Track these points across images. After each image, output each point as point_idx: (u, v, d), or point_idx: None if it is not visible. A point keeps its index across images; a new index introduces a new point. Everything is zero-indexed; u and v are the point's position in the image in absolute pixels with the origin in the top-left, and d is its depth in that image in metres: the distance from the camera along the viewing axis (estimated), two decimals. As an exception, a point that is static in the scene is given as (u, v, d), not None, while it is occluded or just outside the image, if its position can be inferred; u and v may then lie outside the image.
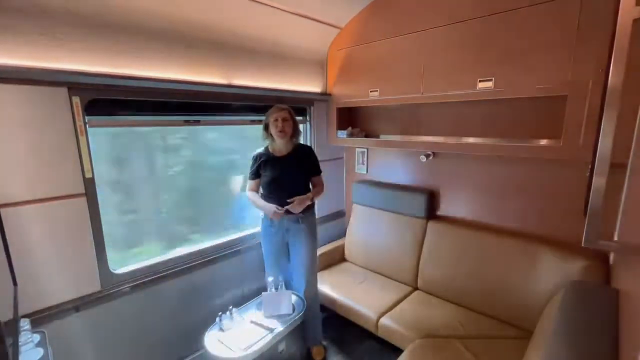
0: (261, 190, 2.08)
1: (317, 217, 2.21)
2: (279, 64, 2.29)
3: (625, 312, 1.07)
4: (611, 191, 0.82)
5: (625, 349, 0.93)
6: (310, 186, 2.10)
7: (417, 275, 2.29)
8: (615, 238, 0.82)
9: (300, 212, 1.96)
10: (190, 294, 1.97)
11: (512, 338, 1.73)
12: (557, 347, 1.06)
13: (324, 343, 2.19)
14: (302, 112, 2.60)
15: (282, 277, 2.00)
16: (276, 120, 1.92)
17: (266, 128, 2.00)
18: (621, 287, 1.27)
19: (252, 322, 1.83)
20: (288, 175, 1.98)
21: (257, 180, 2.06)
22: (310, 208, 2.06)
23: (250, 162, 2.07)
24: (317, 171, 2.10)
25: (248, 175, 2.08)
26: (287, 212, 1.93)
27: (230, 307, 1.86)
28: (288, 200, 1.92)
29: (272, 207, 1.93)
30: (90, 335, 1.58)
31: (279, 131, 1.92)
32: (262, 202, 2.00)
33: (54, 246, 1.44)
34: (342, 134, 2.60)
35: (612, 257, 1.59)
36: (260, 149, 2.06)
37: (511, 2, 1.61)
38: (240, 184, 2.42)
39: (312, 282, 2.09)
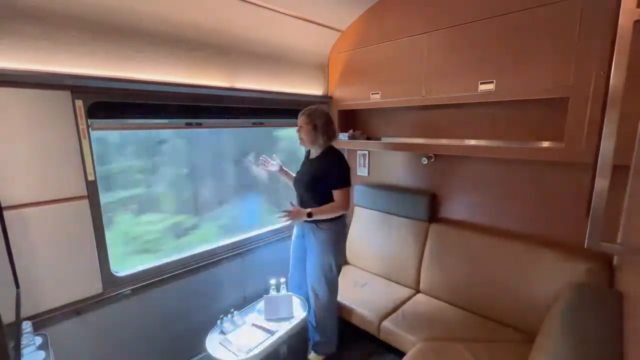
0: None
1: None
2: (280, 67, 2.30)
3: (630, 315, 1.07)
4: (614, 193, 0.81)
5: (629, 352, 0.93)
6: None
7: (419, 278, 2.28)
8: (619, 240, 0.81)
9: (312, 222, 1.87)
10: (192, 297, 1.97)
11: (514, 341, 1.72)
12: (560, 350, 1.05)
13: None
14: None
15: (284, 278, 1.99)
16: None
17: None
18: (625, 290, 1.26)
19: (253, 324, 1.82)
20: (303, 179, 1.96)
21: None
22: (330, 220, 1.88)
23: None
24: (334, 184, 1.83)
25: None
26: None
27: (232, 309, 1.87)
28: (292, 204, 1.85)
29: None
30: (91, 338, 1.58)
31: (299, 138, 1.93)
32: None
33: (56, 249, 1.44)
34: (344, 136, 2.60)
35: (615, 259, 1.58)
36: None
37: (512, 5, 1.61)
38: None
39: (318, 297, 1.96)
